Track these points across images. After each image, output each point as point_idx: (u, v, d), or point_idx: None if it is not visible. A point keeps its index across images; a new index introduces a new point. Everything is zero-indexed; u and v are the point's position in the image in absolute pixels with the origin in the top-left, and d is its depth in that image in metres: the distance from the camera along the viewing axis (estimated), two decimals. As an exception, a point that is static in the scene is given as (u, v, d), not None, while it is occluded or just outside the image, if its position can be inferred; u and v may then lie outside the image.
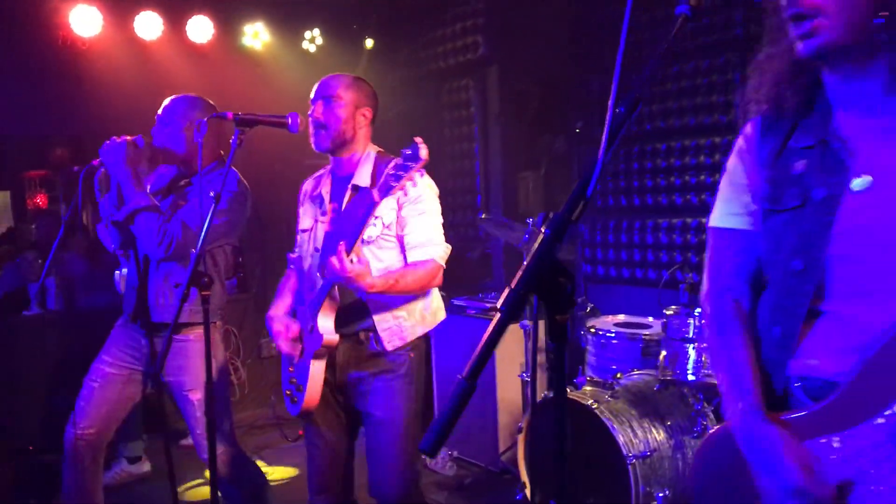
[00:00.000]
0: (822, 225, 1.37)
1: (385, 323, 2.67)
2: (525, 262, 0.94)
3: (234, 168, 3.04)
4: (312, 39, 5.87)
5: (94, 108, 5.30)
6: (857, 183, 1.35)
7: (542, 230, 0.97)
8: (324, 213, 2.78)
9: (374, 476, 2.73)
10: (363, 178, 2.69)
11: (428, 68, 6.12)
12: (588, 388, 3.72)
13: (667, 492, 3.39)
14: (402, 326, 2.69)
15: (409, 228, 2.68)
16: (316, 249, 2.78)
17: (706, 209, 4.99)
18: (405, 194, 2.50)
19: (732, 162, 1.62)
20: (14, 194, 10.79)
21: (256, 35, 5.65)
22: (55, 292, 5.54)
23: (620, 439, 3.33)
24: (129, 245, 3.02)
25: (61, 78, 5.23)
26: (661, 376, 3.55)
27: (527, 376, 4.21)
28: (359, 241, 2.43)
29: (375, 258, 2.66)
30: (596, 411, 3.41)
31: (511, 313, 0.91)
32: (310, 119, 2.71)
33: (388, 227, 2.68)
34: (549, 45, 5.65)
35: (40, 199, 11.00)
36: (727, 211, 1.60)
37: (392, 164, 2.37)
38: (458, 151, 6.06)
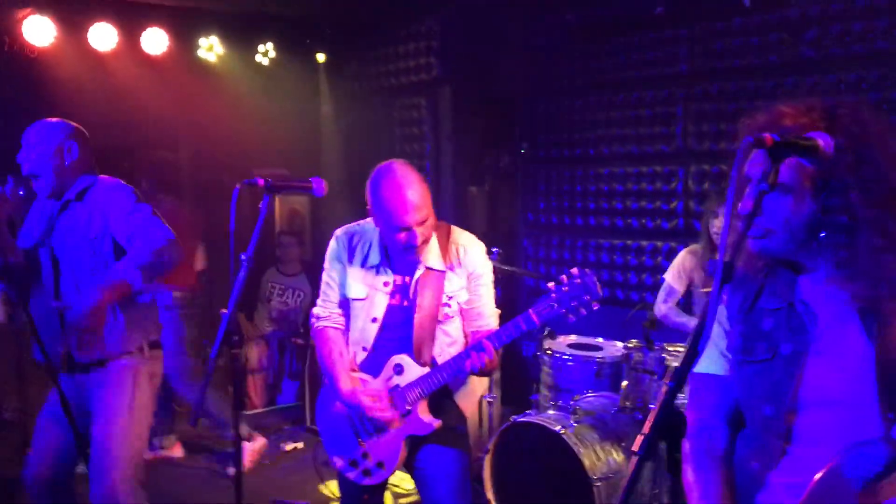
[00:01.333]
0: (789, 375, 1.58)
1: (463, 394, 2.88)
2: (653, 410, 1.14)
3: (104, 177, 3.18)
4: (266, 53, 5.92)
5: (45, 115, 5.20)
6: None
7: (667, 382, 1.17)
8: (385, 285, 2.82)
9: None
10: (433, 258, 2.77)
11: (380, 84, 6.26)
12: (552, 411, 3.98)
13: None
14: (474, 392, 2.89)
15: (481, 301, 2.83)
16: (374, 319, 2.83)
17: (645, 233, 5.35)
18: (477, 274, 2.78)
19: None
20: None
21: (211, 48, 5.66)
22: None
23: (586, 462, 3.59)
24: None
25: (11, 86, 5.12)
26: (621, 404, 3.84)
27: (490, 398, 4.43)
28: (435, 322, 2.67)
29: (445, 335, 2.80)
30: (563, 436, 3.66)
31: (647, 456, 1.12)
32: (409, 240, 2.65)
33: (459, 304, 2.81)
34: (500, 68, 5.87)
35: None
36: (705, 358, 1.76)
37: (561, 287, 2.52)
38: (408, 167, 6.21)
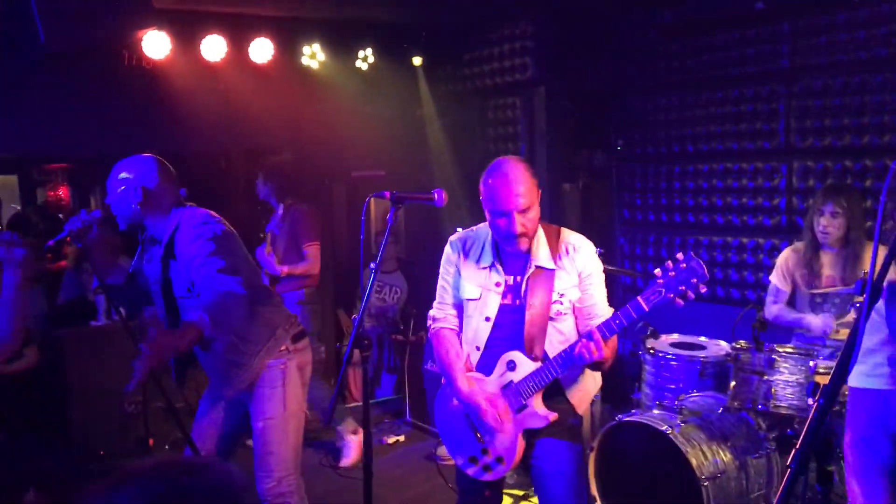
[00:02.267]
0: None
1: (576, 392, 2.92)
2: (806, 426, 1.21)
3: (193, 207, 3.24)
4: (365, 58, 6.08)
5: (162, 126, 5.52)
6: None
7: (816, 399, 1.23)
8: (497, 285, 2.91)
9: None
10: (543, 257, 2.85)
11: (475, 85, 6.35)
12: (656, 411, 4.01)
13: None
14: (586, 391, 2.95)
15: (593, 299, 2.88)
16: (487, 319, 2.92)
17: (747, 230, 5.31)
18: (587, 272, 2.84)
19: (869, 329, 1.85)
20: (21, 180, 10.95)
21: (313, 55, 5.85)
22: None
23: (693, 462, 3.62)
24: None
25: (128, 97, 5.42)
26: (729, 404, 3.84)
27: (595, 396, 4.48)
28: (547, 319, 2.74)
29: (557, 332, 2.86)
30: (669, 436, 3.70)
31: (801, 470, 1.18)
32: (508, 227, 2.75)
33: (571, 301, 2.87)
34: (592, 66, 5.89)
35: (62, 192, 11.14)
36: (863, 371, 1.80)
37: (668, 272, 2.54)
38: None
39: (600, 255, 4.51)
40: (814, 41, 4.85)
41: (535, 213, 2.79)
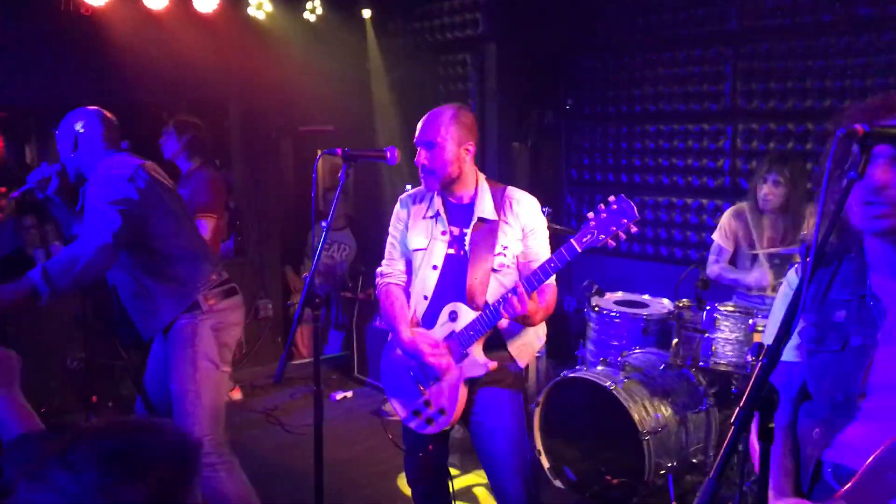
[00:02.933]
0: (859, 366, 1.69)
1: (517, 345, 2.95)
2: (748, 387, 1.25)
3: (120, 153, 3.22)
4: (313, 10, 5.96)
5: (101, 76, 5.35)
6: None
7: (760, 358, 1.28)
8: (443, 234, 2.96)
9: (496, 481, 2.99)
10: (486, 210, 2.89)
11: (425, 40, 6.28)
12: (600, 367, 4.10)
13: (674, 463, 3.83)
14: (528, 344, 2.98)
15: (536, 255, 2.90)
16: (434, 267, 2.96)
17: (691, 190, 5.40)
18: (531, 227, 2.87)
19: (778, 301, 1.96)
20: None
21: (260, 6, 5.71)
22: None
23: (635, 417, 3.73)
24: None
25: (65, 46, 5.23)
26: (671, 361, 3.95)
27: (539, 352, 4.56)
28: (489, 270, 2.75)
29: (500, 285, 2.88)
30: (613, 391, 3.79)
31: (742, 428, 1.23)
32: (418, 165, 2.87)
33: (514, 256, 2.91)
34: (544, 24, 5.86)
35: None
36: None
37: (600, 214, 2.57)
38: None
39: (548, 214, 4.57)
40: (761, 4, 4.90)
41: (446, 154, 2.83)
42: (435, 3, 6.10)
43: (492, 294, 2.87)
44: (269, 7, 5.74)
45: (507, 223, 2.90)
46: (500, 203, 2.91)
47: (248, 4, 5.68)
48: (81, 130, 3.13)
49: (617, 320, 4.53)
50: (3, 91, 5.34)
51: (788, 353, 1.86)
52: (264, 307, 6.51)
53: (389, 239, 3.16)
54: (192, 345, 3.22)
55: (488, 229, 2.88)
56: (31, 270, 2.91)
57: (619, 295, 4.85)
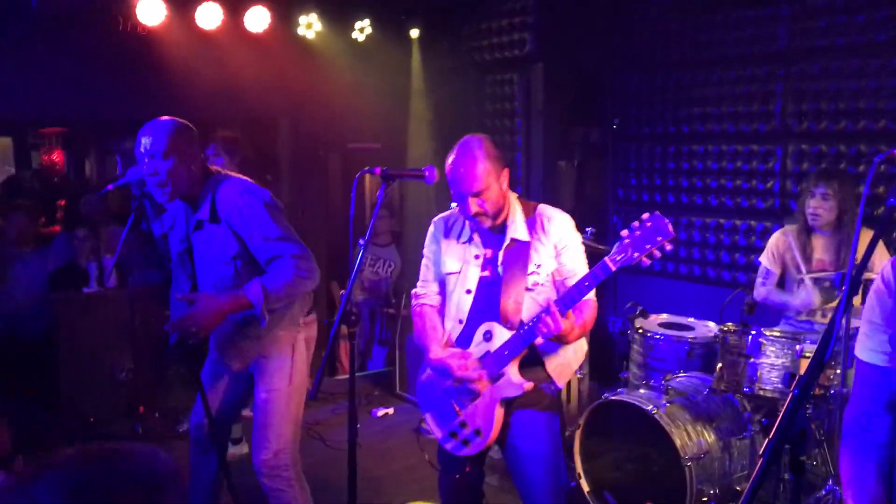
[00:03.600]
0: None
1: (554, 364, 2.91)
2: (778, 420, 1.22)
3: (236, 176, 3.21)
4: (362, 30, 6.05)
5: (157, 93, 5.50)
6: None
7: (792, 390, 1.25)
8: (476, 257, 2.96)
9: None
10: (519, 230, 2.88)
11: (472, 59, 6.31)
12: (643, 390, 4.04)
13: (717, 490, 3.75)
14: (566, 364, 2.94)
15: (572, 271, 2.86)
16: (468, 291, 2.96)
17: (740, 212, 5.32)
18: (563, 244, 2.84)
19: (871, 299, 1.79)
20: (16, 143, 10.92)
21: (310, 25, 5.82)
22: (110, 271, 5.77)
23: (678, 442, 3.66)
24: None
25: (123, 63, 5.39)
26: (714, 386, 3.87)
27: (580, 373, 4.52)
28: (524, 290, 2.73)
29: (535, 303, 2.84)
30: (655, 415, 3.73)
31: (773, 459, 1.20)
32: (468, 210, 2.81)
33: (549, 274, 2.88)
34: (591, 43, 5.85)
35: (57, 156, 11.09)
36: (867, 346, 1.77)
37: (634, 232, 2.54)
38: (497, 143, 6.22)
39: (591, 234, 4.57)
40: (812, 23, 4.82)
41: (493, 193, 2.79)
42: (483, 24, 6.13)
43: (528, 313, 2.85)
44: (318, 26, 5.85)
45: (539, 241, 2.88)
46: (532, 222, 2.90)
47: (298, 24, 5.80)
48: (180, 147, 3.06)
49: (661, 342, 4.46)
50: (65, 107, 5.53)
51: (877, 357, 1.74)
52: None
53: (424, 261, 3.16)
54: (291, 357, 3.26)
55: (521, 249, 2.87)
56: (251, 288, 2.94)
57: (665, 317, 4.79)
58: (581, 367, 4.56)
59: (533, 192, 6.10)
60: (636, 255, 2.52)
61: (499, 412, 2.85)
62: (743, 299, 4.00)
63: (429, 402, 3.09)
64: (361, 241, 2.62)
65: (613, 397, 3.96)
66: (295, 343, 3.30)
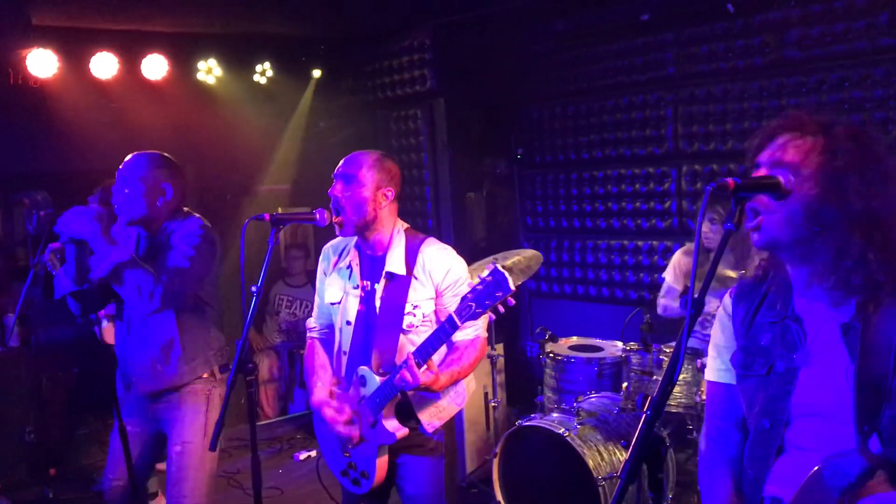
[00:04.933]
0: (784, 392, 1.70)
1: (427, 411, 2.85)
2: (635, 438, 1.28)
3: (195, 215, 3.31)
4: (263, 72, 6.05)
5: (52, 144, 5.38)
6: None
7: (645, 411, 1.31)
8: (355, 288, 2.88)
9: None
10: (396, 264, 2.79)
11: (375, 97, 6.38)
12: (555, 414, 4.11)
13: (630, 507, 3.82)
14: (442, 409, 2.89)
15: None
16: (347, 323, 2.89)
17: (640, 233, 5.50)
18: (446, 284, 2.76)
19: (715, 326, 1.93)
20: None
21: (210, 70, 5.78)
22: (11, 328, 5.58)
23: (590, 463, 3.73)
24: (118, 306, 3.27)
25: (14, 117, 5.27)
26: (623, 405, 3.97)
27: (495, 402, 4.57)
28: (398, 331, 2.70)
29: (411, 344, 2.74)
30: (567, 438, 3.80)
31: (630, 479, 1.26)
32: (330, 195, 2.81)
33: (426, 315, 2.79)
34: (490, 77, 5.99)
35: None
36: (715, 367, 1.90)
37: (475, 287, 2.44)
38: (406, 177, 6.30)
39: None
40: (695, 50, 5.05)
41: (358, 191, 2.76)
42: (384, 62, 6.21)
43: (402, 356, 2.71)
44: (218, 71, 5.82)
45: (417, 280, 2.79)
46: (411, 257, 2.80)
47: (197, 69, 5.76)
48: (173, 184, 3.26)
49: (572, 365, 4.56)
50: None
51: (725, 376, 1.85)
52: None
53: (317, 291, 3.10)
54: (206, 412, 3.24)
55: (399, 285, 2.78)
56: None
57: (574, 340, 4.90)
58: (495, 396, 4.62)
59: (444, 223, 6.17)
60: (479, 310, 2.44)
61: (381, 456, 2.83)
62: (642, 319, 4.12)
63: (323, 440, 3.09)
64: (254, 288, 2.60)
65: (527, 423, 4.02)
66: (210, 396, 3.27)
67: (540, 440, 3.99)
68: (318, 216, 2.73)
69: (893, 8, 4.20)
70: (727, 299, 1.89)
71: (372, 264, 2.88)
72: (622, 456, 3.87)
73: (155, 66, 5.48)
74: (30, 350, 5.49)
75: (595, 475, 3.69)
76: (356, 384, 2.85)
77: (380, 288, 2.82)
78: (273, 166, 6.65)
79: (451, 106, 6.03)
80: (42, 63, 4.98)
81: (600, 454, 3.81)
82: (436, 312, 2.83)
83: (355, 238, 2.92)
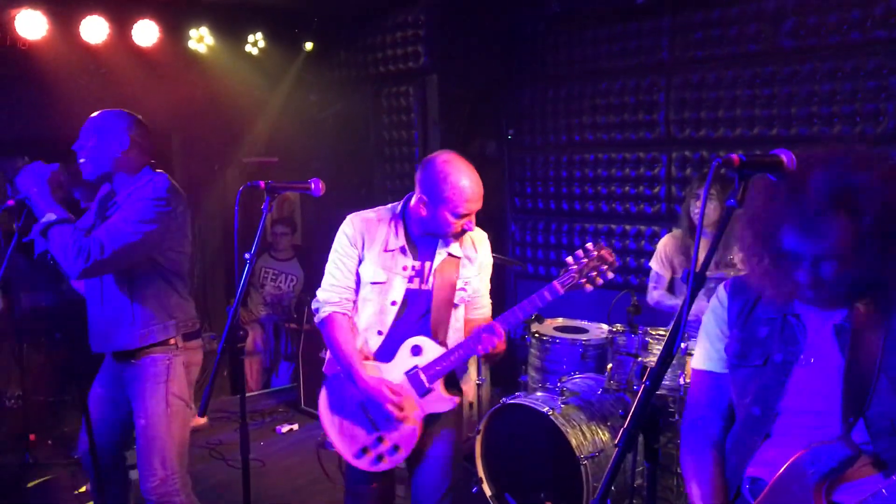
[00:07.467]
0: (779, 383, 1.78)
1: (466, 381, 3.10)
2: (633, 406, 1.29)
3: (163, 173, 3.23)
4: (255, 43, 5.99)
5: (38, 109, 5.30)
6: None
7: (644, 381, 1.32)
8: (405, 269, 2.92)
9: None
10: (454, 247, 2.93)
11: (367, 72, 6.34)
12: (539, 393, 4.14)
13: (613, 486, 3.86)
14: (470, 379, 3.07)
15: (481, 290, 3.08)
16: (393, 303, 2.92)
17: (629, 217, 5.52)
18: (486, 264, 3.06)
19: (707, 316, 2.01)
20: None
21: (201, 39, 5.71)
22: (-6, 293, 5.53)
23: (573, 442, 3.76)
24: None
25: (7, 79, 5.19)
26: (606, 385, 4.00)
27: (480, 380, 4.59)
28: (451, 305, 2.90)
29: (455, 319, 2.98)
30: (551, 417, 3.82)
31: (628, 448, 1.27)
32: (465, 227, 2.83)
33: (476, 290, 3.05)
34: (484, 56, 5.97)
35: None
36: (705, 356, 1.97)
37: (581, 260, 2.83)
38: (396, 154, 6.33)
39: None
40: (690, 36, 5.05)
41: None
42: (378, 37, 6.17)
43: (451, 328, 2.96)
44: (210, 40, 5.75)
45: (468, 259, 2.98)
46: (462, 240, 2.96)
47: (188, 38, 5.69)
48: (135, 136, 3.17)
49: (557, 346, 4.58)
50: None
51: (717, 365, 1.92)
52: (208, 341, 6.44)
53: (336, 264, 2.96)
54: (166, 381, 3.18)
55: (452, 264, 2.94)
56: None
57: (560, 321, 4.92)
58: (480, 374, 4.64)
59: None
60: (582, 280, 2.83)
61: (419, 427, 2.91)
62: (629, 302, 4.14)
63: (341, 416, 2.99)
64: (247, 255, 2.59)
65: (511, 401, 4.04)
66: (170, 365, 3.20)
67: (523, 418, 4.01)
68: (313, 186, 2.72)
69: (888, 0, 4.23)
70: (721, 291, 1.98)
71: (425, 245, 2.95)
72: (605, 436, 3.91)
73: (146, 33, 5.40)
74: (12, 315, 5.44)
75: (578, 454, 3.72)
76: (408, 356, 2.92)
77: (435, 267, 2.92)
78: (262, 138, 6.61)
79: (443, 84, 6.00)
80: (31, 24, 4.90)
81: (583, 433, 3.84)
82: None
83: (397, 216, 2.96)
